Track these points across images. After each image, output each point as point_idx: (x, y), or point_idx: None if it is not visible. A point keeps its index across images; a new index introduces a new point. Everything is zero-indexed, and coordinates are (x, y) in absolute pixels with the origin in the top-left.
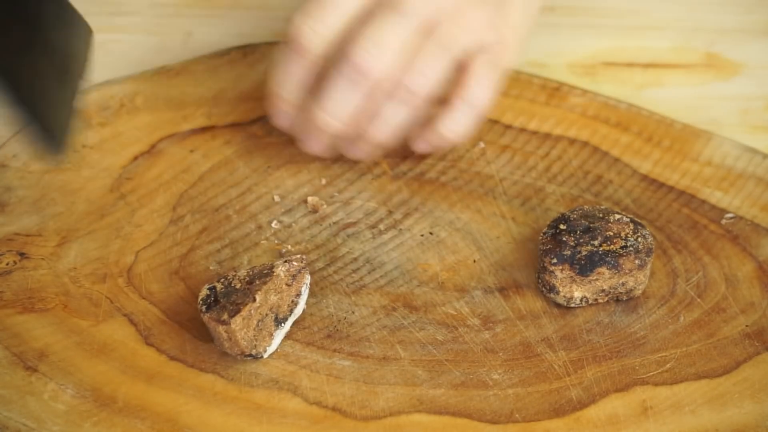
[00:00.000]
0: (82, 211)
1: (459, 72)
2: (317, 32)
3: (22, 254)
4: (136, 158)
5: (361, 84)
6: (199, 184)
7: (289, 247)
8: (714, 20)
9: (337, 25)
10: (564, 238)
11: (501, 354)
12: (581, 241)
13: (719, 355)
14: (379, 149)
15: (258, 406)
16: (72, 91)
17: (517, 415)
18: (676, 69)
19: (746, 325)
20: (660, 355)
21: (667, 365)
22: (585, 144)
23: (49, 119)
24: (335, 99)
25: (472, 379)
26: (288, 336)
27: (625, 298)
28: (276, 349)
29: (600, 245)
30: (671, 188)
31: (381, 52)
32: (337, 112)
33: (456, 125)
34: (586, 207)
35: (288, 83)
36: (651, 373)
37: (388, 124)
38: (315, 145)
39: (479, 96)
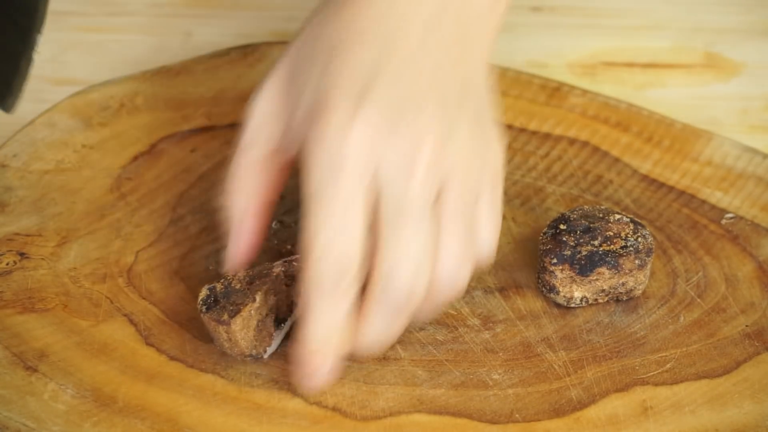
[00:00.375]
0: (82, 211)
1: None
2: (346, 260)
3: (22, 254)
4: (136, 158)
5: (402, 304)
6: (199, 184)
7: (289, 247)
8: (714, 20)
9: (359, 248)
10: (564, 238)
11: (501, 354)
12: (581, 241)
13: (719, 355)
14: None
15: (258, 406)
16: (29, 45)
17: (517, 415)
18: (676, 69)
19: (746, 325)
20: (660, 355)
21: (667, 365)
22: (585, 144)
23: (4, 72)
24: (377, 327)
25: (472, 379)
26: (288, 336)
27: (625, 298)
28: (276, 349)
29: (600, 245)
30: (671, 188)
31: (413, 265)
32: (381, 338)
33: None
34: (586, 207)
35: (326, 330)
36: (651, 373)
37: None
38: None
39: (487, 247)
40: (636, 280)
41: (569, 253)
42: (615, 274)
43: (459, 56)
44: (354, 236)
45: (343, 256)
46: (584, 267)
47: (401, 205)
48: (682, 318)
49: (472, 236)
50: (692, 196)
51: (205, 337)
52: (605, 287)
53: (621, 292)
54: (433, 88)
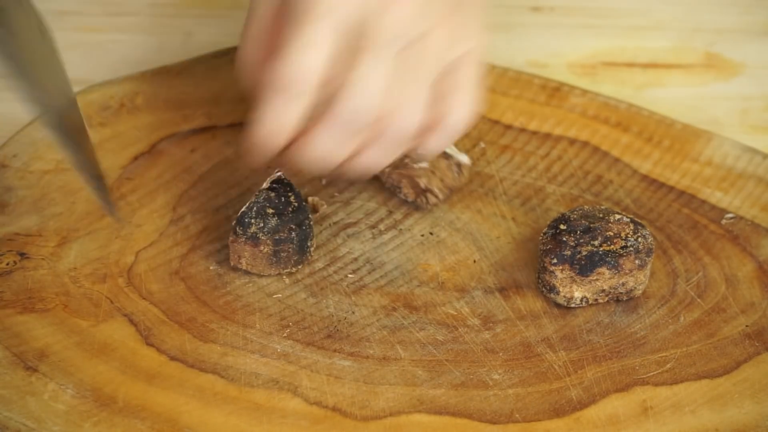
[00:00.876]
0: (83, 211)
1: (436, 93)
2: (304, 72)
3: (22, 254)
4: (136, 158)
5: (352, 128)
6: (200, 184)
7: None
8: (714, 20)
9: (320, 66)
10: (564, 239)
11: (501, 354)
12: (581, 241)
13: (719, 355)
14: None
15: (258, 406)
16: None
17: (517, 415)
18: (676, 69)
19: (746, 326)
20: (660, 355)
21: (668, 365)
22: (585, 144)
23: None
24: (323, 143)
25: (472, 379)
26: (288, 336)
27: (625, 298)
28: (278, 349)
29: (600, 245)
30: (671, 188)
31: (371, 94)
32: (325, 156)
33: (435, 146)
34: (586, 207)
35: (275, 124)
36: (651, 373)
37: (374, 162)
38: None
39: (460, 118)
40: (636, 280)
41: (569, 253)
42: (615, 274)
43: None
44: (318, 53)
45: (303, 67)
46: (584, 267)
47: (370, 33)
48: (682, 318)
49: (439, 100)
50: (692, 196)
51: (205, 337)
52: (605, 287)
53: (621, 293)
54: None
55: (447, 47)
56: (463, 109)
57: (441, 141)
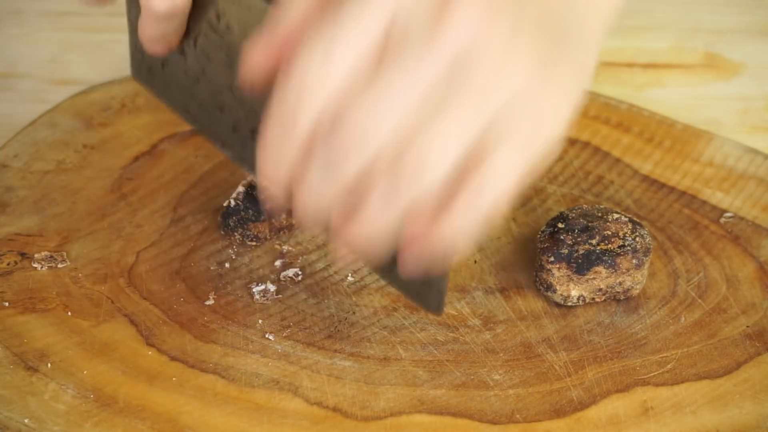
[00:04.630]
0: (83, 212)
1: (477, 146)
2: (314, 92)
3: (23, 254)
4: (137, 158)
5: (347, 163)
6: (200, 184)
7: (290, 247)
8: (714, 20)
9: (338, 81)
10: (562, 237)
11: (502, 354)
12: (579, 240)
13: (720, 355)
14: (361, 254)
15: (259, 407)
16: None
17: (517, 416)
18: (676, 69)
19: (747, 326)
20: (661, 355)
21: (668, 366)
22: (586, 144)
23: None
24: (311, 184)
25: (473, 380)
26: (289, 336)
27: (622, 297)
28: (278, 349)
29: (598, 244)
30: (672, 189)
31: (382, 119)
32: (313, 201)
33: (453, 226)
34: (584, 206)
35: (273, 158)
36: (652, 374)
37: (373, 220)
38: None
39: (496, 188)
40: (633, 279)
41: (566, 251)
42: (612, 273)
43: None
44: (342, 62)
45: (316, 85)
46: (581, 266)
47: (410, 36)
48: (683, 318)
49: (477, 158)
50: (693, 197)
51: (205, 337)
52: (602, 286)
53: (618, 291)
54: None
55: (516, 87)
56: (504, 178)
57: (462, 219)
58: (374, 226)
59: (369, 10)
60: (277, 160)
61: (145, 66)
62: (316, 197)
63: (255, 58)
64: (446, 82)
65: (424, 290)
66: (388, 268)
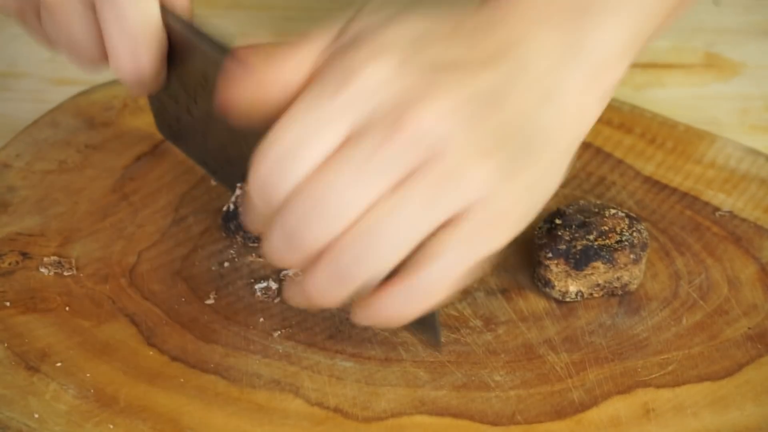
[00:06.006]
0: (85, 211)
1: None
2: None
3: (24, 254)
4: (138, 158)
5: (299, 230)
6: (202, 184)
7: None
8: (714, 20)
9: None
10: (559, 233)
11: (503, 355)
12: (576, 235)
13: (721, 357)
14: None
15: (260, 407)
16: None
17: (518, 417)
18: (676, 69)
19: (749, 328)
20: (662, 357)
21: (669, 367)
22: (588, 145)
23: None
24: (268, 246)
25: (474, 381)
26: (290, 337)
27: (620, 292)
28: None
29: (595, 240)
30: (674, 190)
31: (343, 198)
32: (280, 254)
33: (390, 307)
34: (582, 202)
35: (252, 221)
36: (653, 375)
37: (319, 291)
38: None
39: (437, 282)
40: (631, 274)
41: (564, 247)
42: (610, 268)
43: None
44: (310, 150)
45: (281, 175)
46: (579, 261)
47: (373, 127)
48: (684, 320)
49: (426, 242)
50: (695, 198)
51: (206, 337)
52: (600, 281)
53: (616, 287)
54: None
55: (476, 185)
56: (447, 275)
57: (402, 300)
58: (321, 296)
59: (348, 96)
60: (252, 219)
61: (166, 123)
62: (278, 255)
63: (229, 96)
64: (408, 173)
65: (418, 328)
66: None
